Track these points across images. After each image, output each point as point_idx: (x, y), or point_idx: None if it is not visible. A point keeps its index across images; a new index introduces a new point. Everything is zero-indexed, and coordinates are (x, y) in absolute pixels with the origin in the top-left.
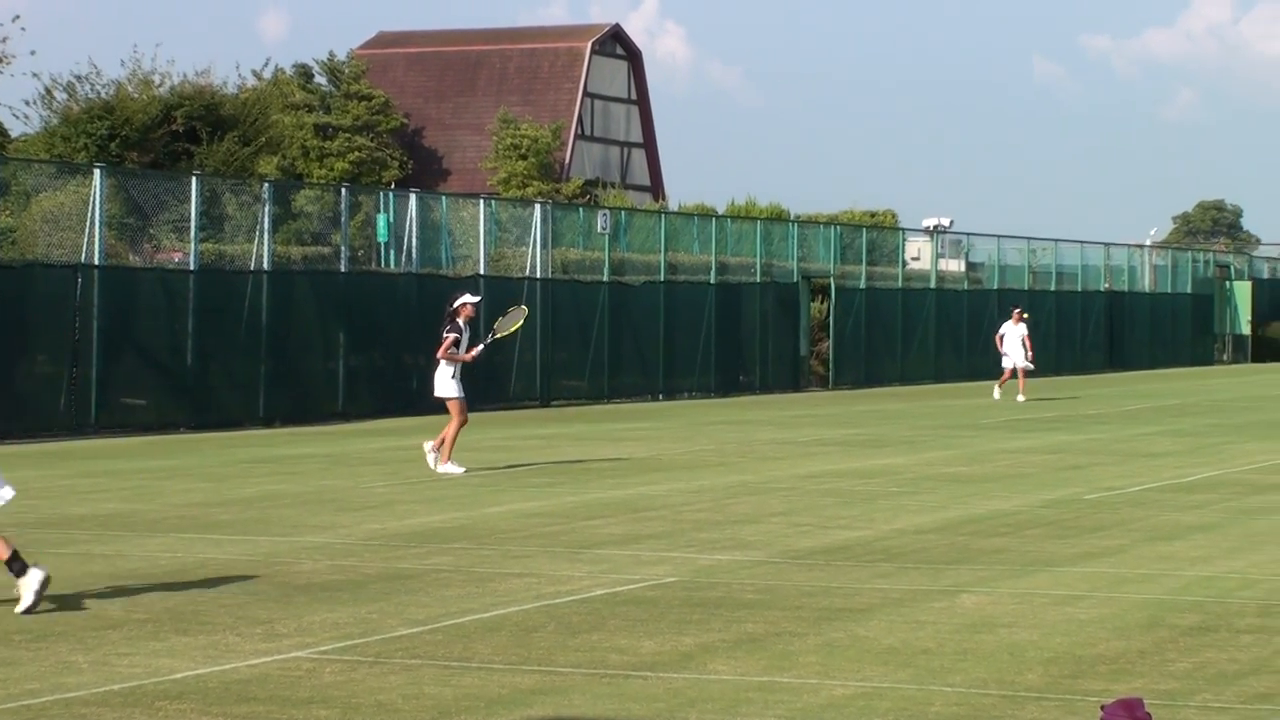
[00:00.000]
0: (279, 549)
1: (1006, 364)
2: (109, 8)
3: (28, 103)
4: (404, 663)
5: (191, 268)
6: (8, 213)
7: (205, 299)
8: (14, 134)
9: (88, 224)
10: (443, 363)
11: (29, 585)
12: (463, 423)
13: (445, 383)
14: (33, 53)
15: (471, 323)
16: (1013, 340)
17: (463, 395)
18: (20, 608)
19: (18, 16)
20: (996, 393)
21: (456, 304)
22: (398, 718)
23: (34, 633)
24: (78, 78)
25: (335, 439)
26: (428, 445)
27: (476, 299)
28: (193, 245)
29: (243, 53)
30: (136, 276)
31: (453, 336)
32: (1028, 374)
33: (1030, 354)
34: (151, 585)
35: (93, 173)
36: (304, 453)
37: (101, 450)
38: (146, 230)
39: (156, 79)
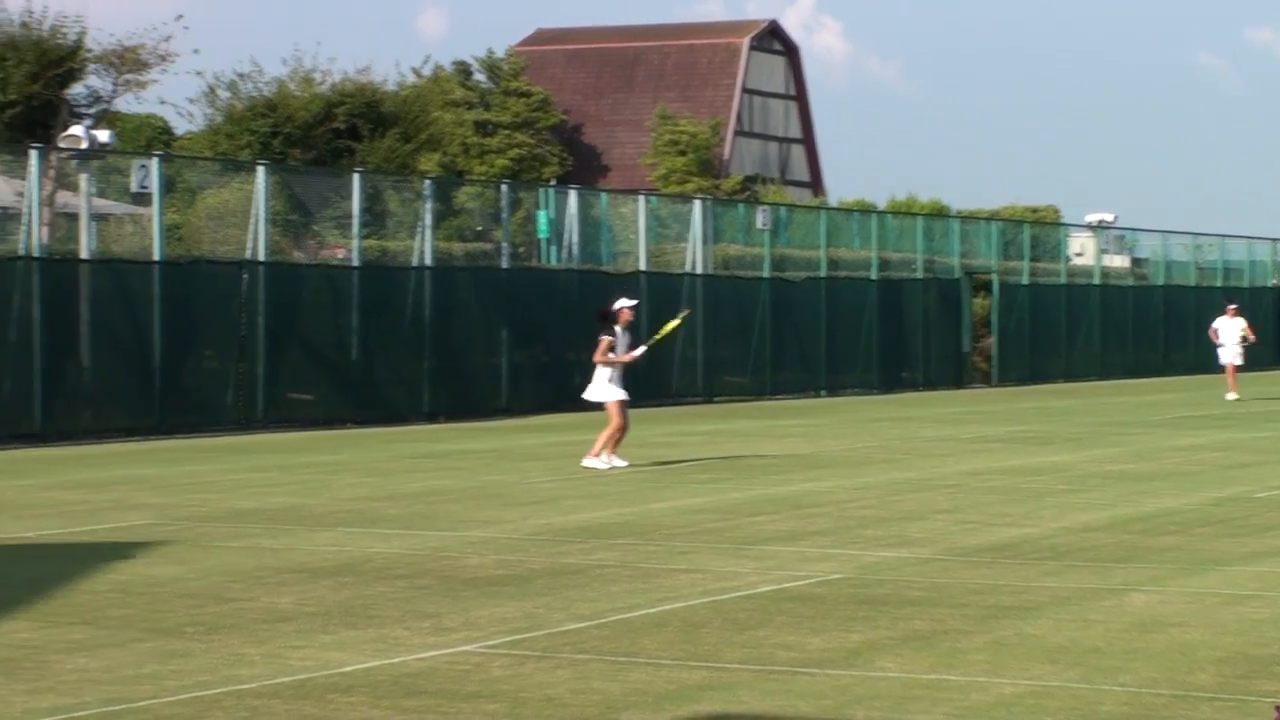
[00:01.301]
0: (445, 543)
1: (1223, 359)
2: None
3: (192, 101)
4: (571, 657)
5: (355, 264)
6: (174, 209)
7: (369, 295)
8: (179, 132)
9: (252, 220)
10: (599, 365)
11: None
12: (621, 425)
13: (601, 386)
14: (196, 51)
15: (631, 325)
16: (1229, 334)
17: (621, 398)
18: None
19: (181, 16)
20: (1231, 394)
21: (615, 307)
22: (565, 712)
23: (206, 625)
24: (240, 75)
25: (499, 434)
26: (612, 459)
27: (634, 302)
28: (356, 241)
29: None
30: (301, 272)
31: (607, 340)
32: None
33: (1251, 339)
34: (321, 579)
35: (256, 170)
36: (468, 448)
37: (268, 445)
38: (310, 226)
39: (318, 77)
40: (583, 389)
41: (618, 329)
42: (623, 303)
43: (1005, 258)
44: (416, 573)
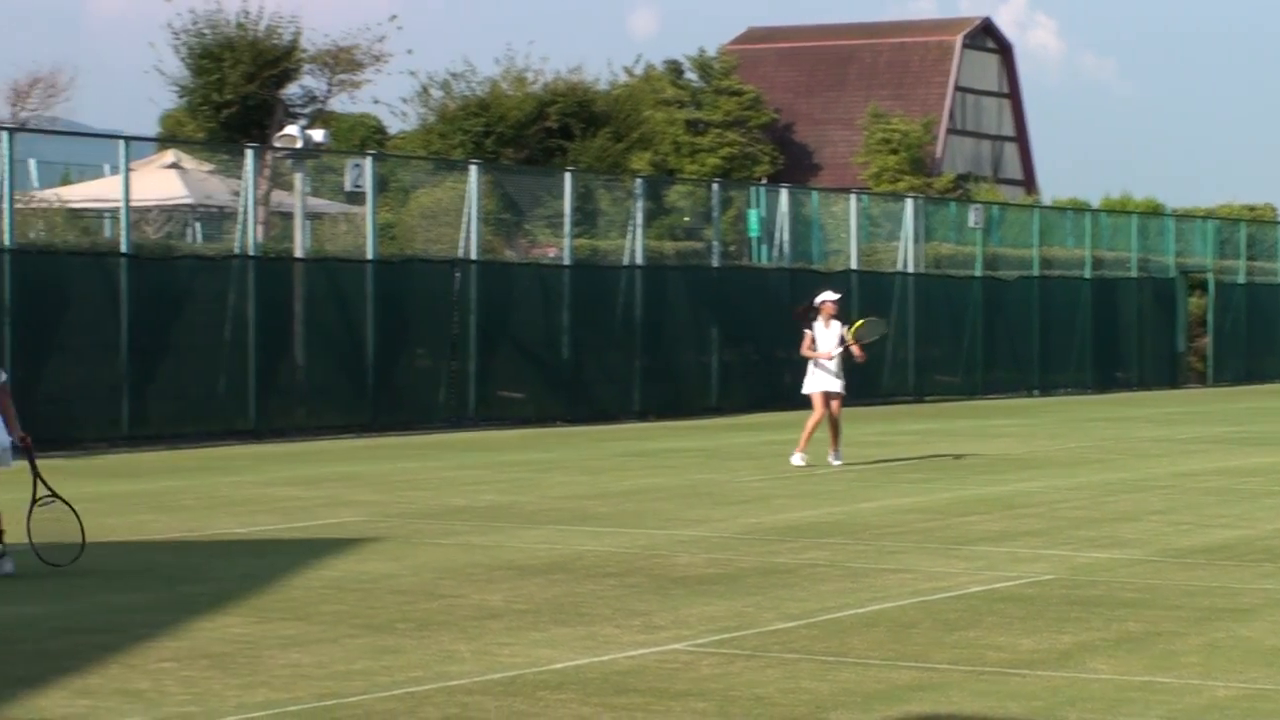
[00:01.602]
0: (655, 542)
1: None
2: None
3: (405, 100)
4: (780, 656)
5: (566, 262)
6: (387, 209)
7: (580, 293)
8: (392, 131)
9: (465, 219)
10: (809, 361)
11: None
12: (820, 417)
13: (810, 378)
14: (410, 51)
15: (836, 320)
16: None
17: (825, 389)
18: None
19: (394, 16)
20: None
21: (817, 302)
22: (774, 711)
23: (418, 621)
24: (453, 75)
25: (709, 433)
26: (830, 457)
27: (836, 296)
28: (567, 240)
29: (614, 49)
30: (512, 271)
31: (811, 334)
32: None
33: None
34: (531, 576)
35: (469, 169)
36: (678, 446)
37: (480, 442)
38: (522, 225)
39: (530, 76)
40: (794, 388)
41: (819, 323)
42: (825, 297)
43: (1221, 256)
44: (626, 571)
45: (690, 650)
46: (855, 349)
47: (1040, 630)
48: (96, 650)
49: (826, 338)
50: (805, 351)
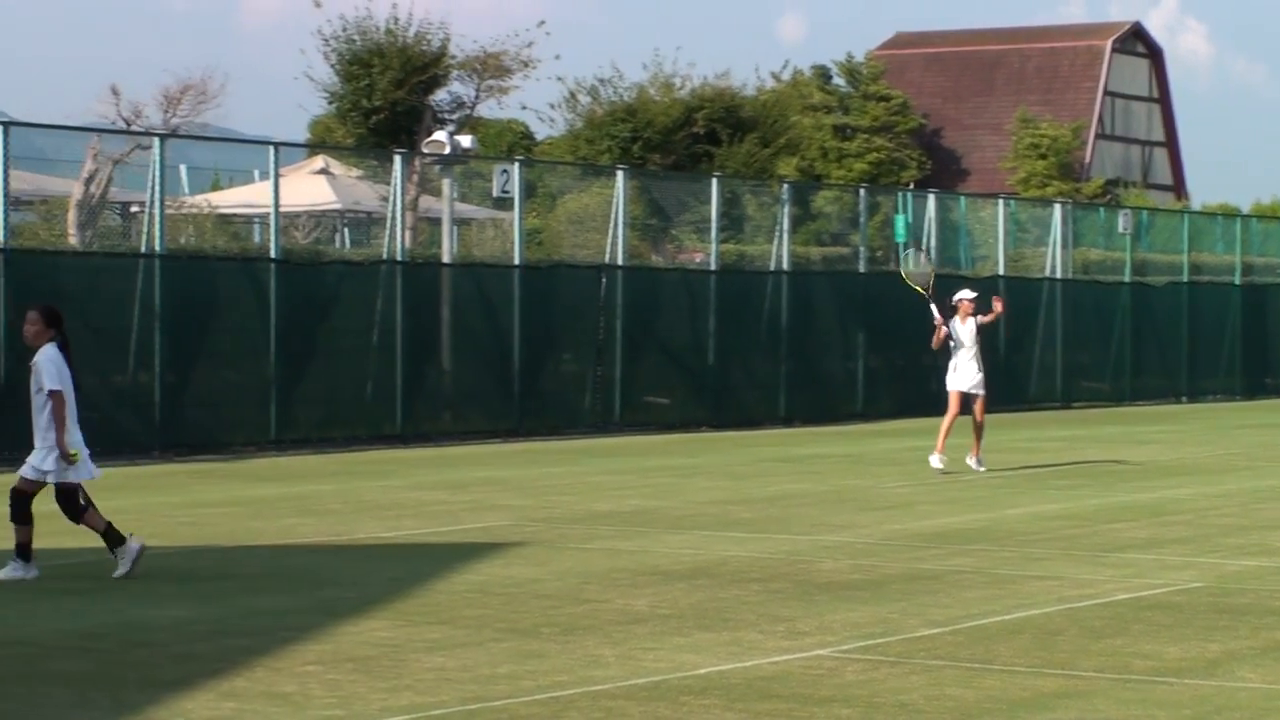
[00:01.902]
0: (799, 547)
1: None
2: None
3: (553, 106)
4: (925, 663)
5: (712, 268)
6: (534, 214)
7: (726, 299)
8: (539, 137)
9: (611, 225)
10: (950, 358)
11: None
12: (955, 415)
13: (950, 375)
14: (557, 57)
15: (972, 317)
16: None
17: (962, 388)
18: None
19: (543, 22)
20: None
21: (954, 300)
22: (920, 718)
23: (562, 626)
24: (601, 81)
25: (854, 439)
26: (968, 459)
27: (974, 295)
28: (713, 246)
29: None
30: (659, 276)
31: (944, 330)
32: None
33: None
34: (675, 581)
35: (616, 174)
36: (823, 452)
37: (625, 447)
38: (668, 231)
39: (677, 82)
40: (939, 394)
41: (956, 321)
42: (962, 295)
43: None
44: (770, 576)
45: (834, 656)
46: (997, 305)
47: (1187, 638)
48: (242, 653)
49: (963, 334)
50: (937, 343)
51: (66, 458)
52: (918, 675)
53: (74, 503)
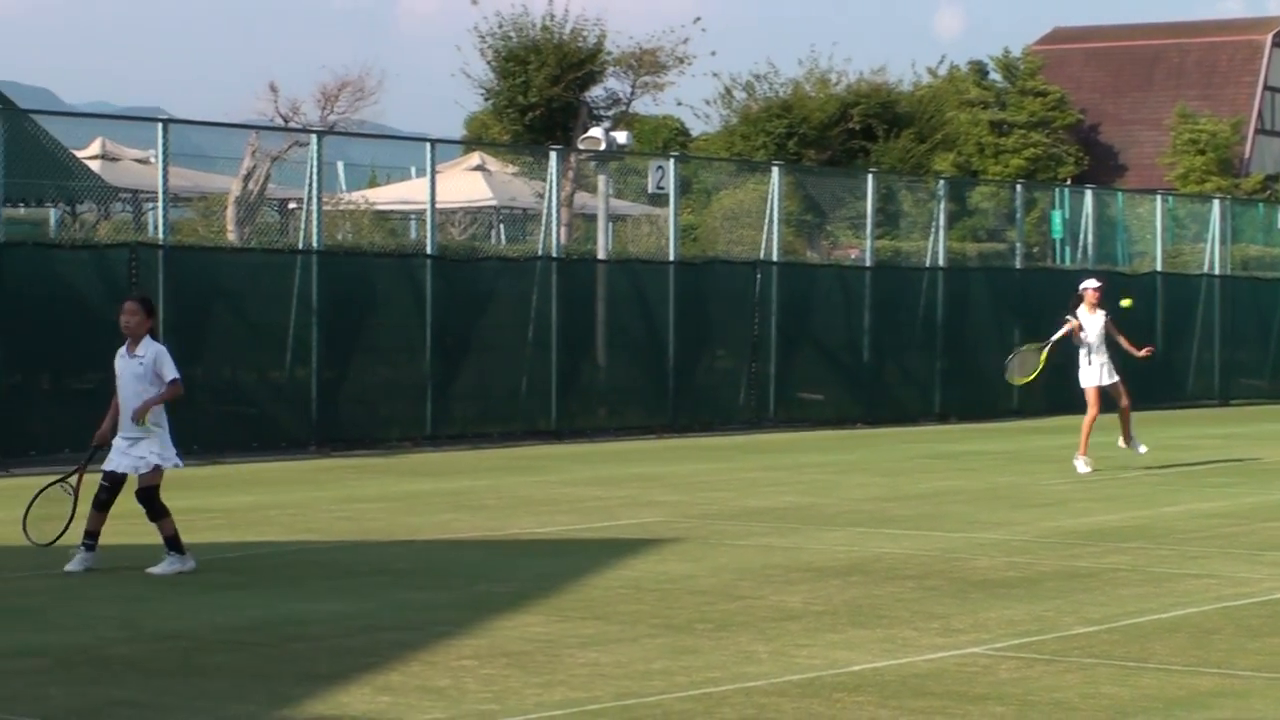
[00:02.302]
0: (954, 545)
1: None
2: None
3: (708, 102)
4: (1080, 661)
5: (867, 264)
6: (690, 210)
7: (881, 295)
8: (695, 133)
9: (766, 221)
10: (1080, 353)
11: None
12: (1095, 415)
13: (1083, 371)
14: (713, 53)
15: (1100, 308)
16: None
17: (1099, 384)
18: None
19: (698, 18)
20: None
21: (1080, 288)
22: (1074, 717)
23: (716, 622)
24: (756, 77)
25: (1010, 435)
26: (1125, 445)
27: (1098, 284)
28: (869, 241)
29: (918, 50)
30: (814, 273)
31: (1074, 322)
32: None
33: None
34: (829, 578)
35: (771, 170)
36: (978, 449)
37: (779, 444)
38: (824, 227)
39: (833, 78)
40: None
41: (1083, 309)
42: (1087, 285)
43: None
44: (925, 573)
45: (989, 654)
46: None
47: None
48: (397, 647)
49: (1091, 325)
50: (1077, 339)
51: (140, 419)
52: (1072, 673)
53: (157, 499)
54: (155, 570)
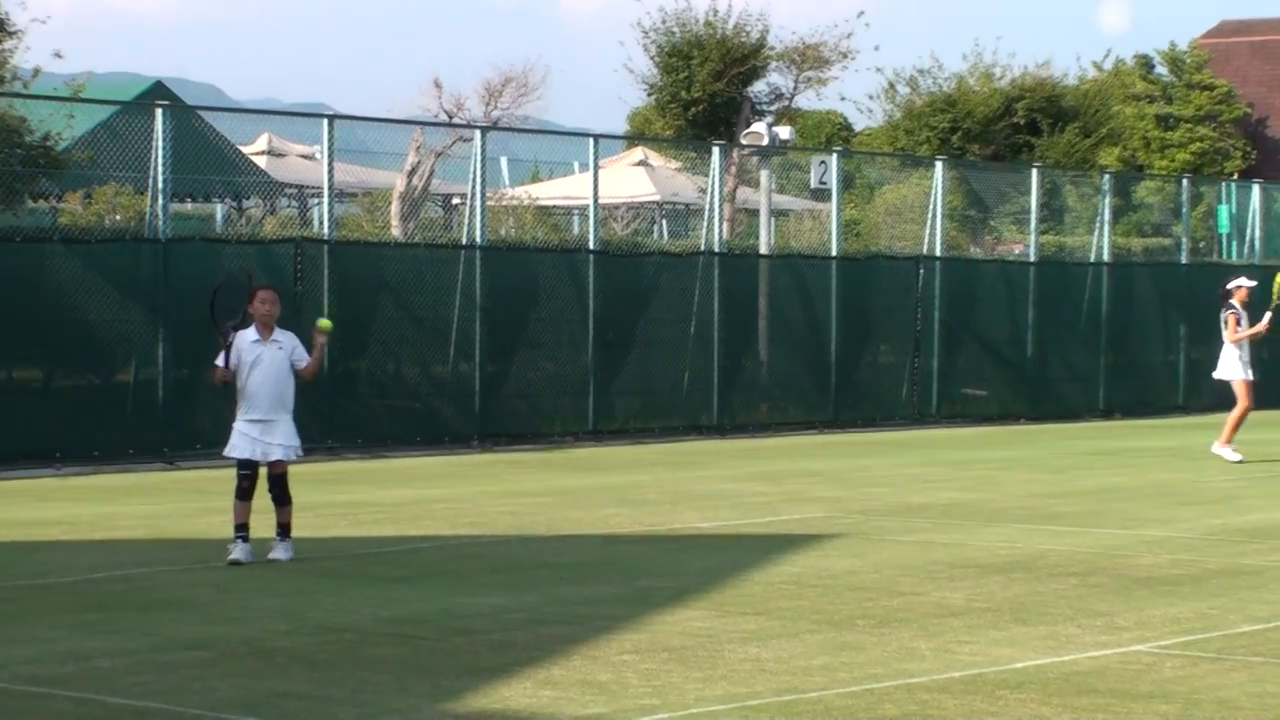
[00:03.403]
0: (1118, 541)
1: None
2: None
3: (871, 97)
4: (1245, 660)
5: (1031, 259)
6: (852, 205)
7: (1045, 290)
8: (858, 128)
9: (929, 216)
10: (1227, 344)
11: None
12: (1247, 408)
13: (1230, 365)
14: (876, 48)
15: (1246, 306)
16: None
17: (1249, 378)
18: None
19: (862, 13)
20: None
21: (1230, 285)
22: (1239, 715)
23: (877, 618)
24: (920, 71)
25: (1175, 432)
26: (1219, 444)
27: (1252, 283)
28: (1032, 237)
29: (1083, 44)
30: (977, 268)
31: (1234, 315)
32: None
33: None
34: (991, 575)
35: (934, 165)
36: (1142, 445)
37: (941, 440)
38: (987, 222)
39: (997, 72)
40: (1262, 386)
41: (1234, 303)
42: (1239, 282)
43: None
44: (1089, 570)
45: (1153, 652)
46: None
47: None
48: (559, 642)
49: (1245, 321)
50: (1238, 336)
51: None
52: (1238, 672)
53: (286, 485)
54: (277, 555)
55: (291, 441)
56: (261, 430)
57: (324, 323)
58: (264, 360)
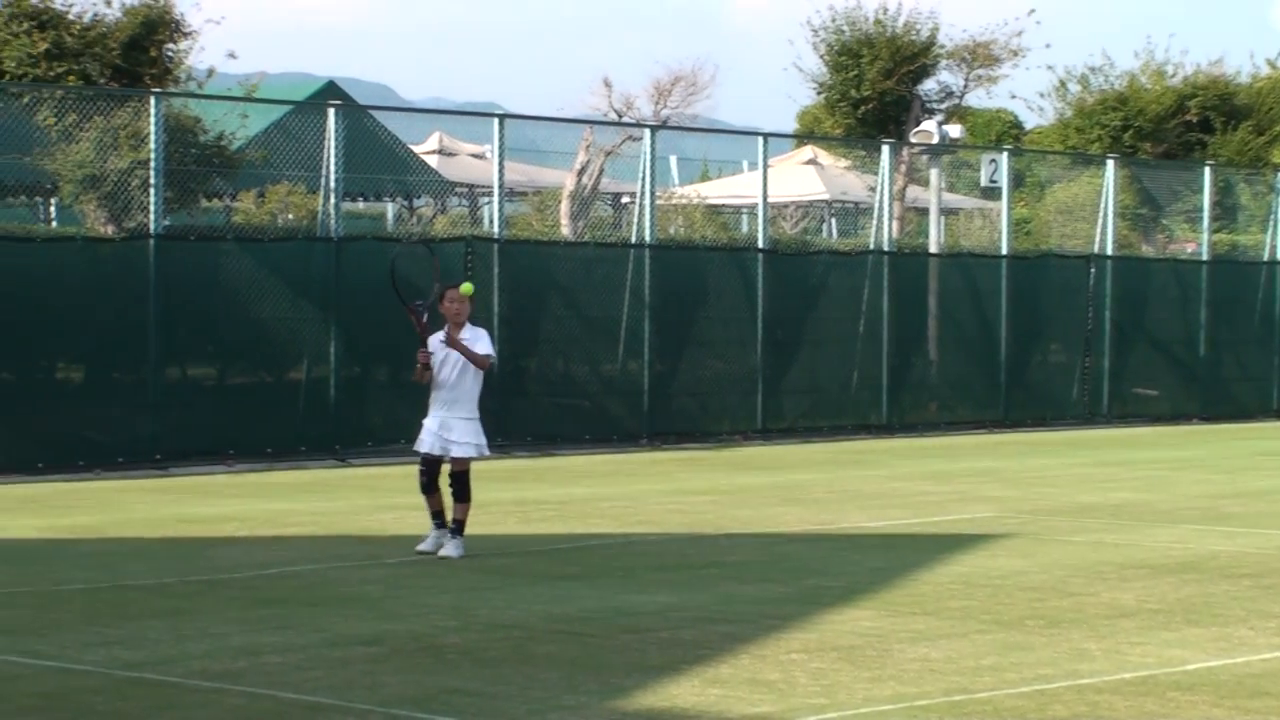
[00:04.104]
0: None
1: None
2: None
3: (1042, 95)
4: None
5: (1204, 258)
6: (1022, 204)
7: (1218, 290)
8: (1028, 126)
9: (1100, 214)
10: None
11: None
12: None
13: None
14: (1047, 45)
15: None
16: None
17: None
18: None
19: (1033, 10)
20: None
21: None
22: None
23: (1047, 618)
24: (1091, 69)
25: None
26: None
27: None
28: (1204, 235)
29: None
30: (1148, 267)
31: None
32: None
33: None
34: (1163, 575)
35: (1105, 163)
36: None
37: (1113, 440)
38: (1159, 220)
39: (1169, 70)
40: None
41: None
42: None
43: None
44: (1261, 572)
45: None
46: None
47: None
48: (727, 640)
49: None
50: None
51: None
52: None
53: (469, 483)
54: (447, 552)
55: (476, 439)
56: (446, 427)
57: (466, 286)
58: (451, 358)
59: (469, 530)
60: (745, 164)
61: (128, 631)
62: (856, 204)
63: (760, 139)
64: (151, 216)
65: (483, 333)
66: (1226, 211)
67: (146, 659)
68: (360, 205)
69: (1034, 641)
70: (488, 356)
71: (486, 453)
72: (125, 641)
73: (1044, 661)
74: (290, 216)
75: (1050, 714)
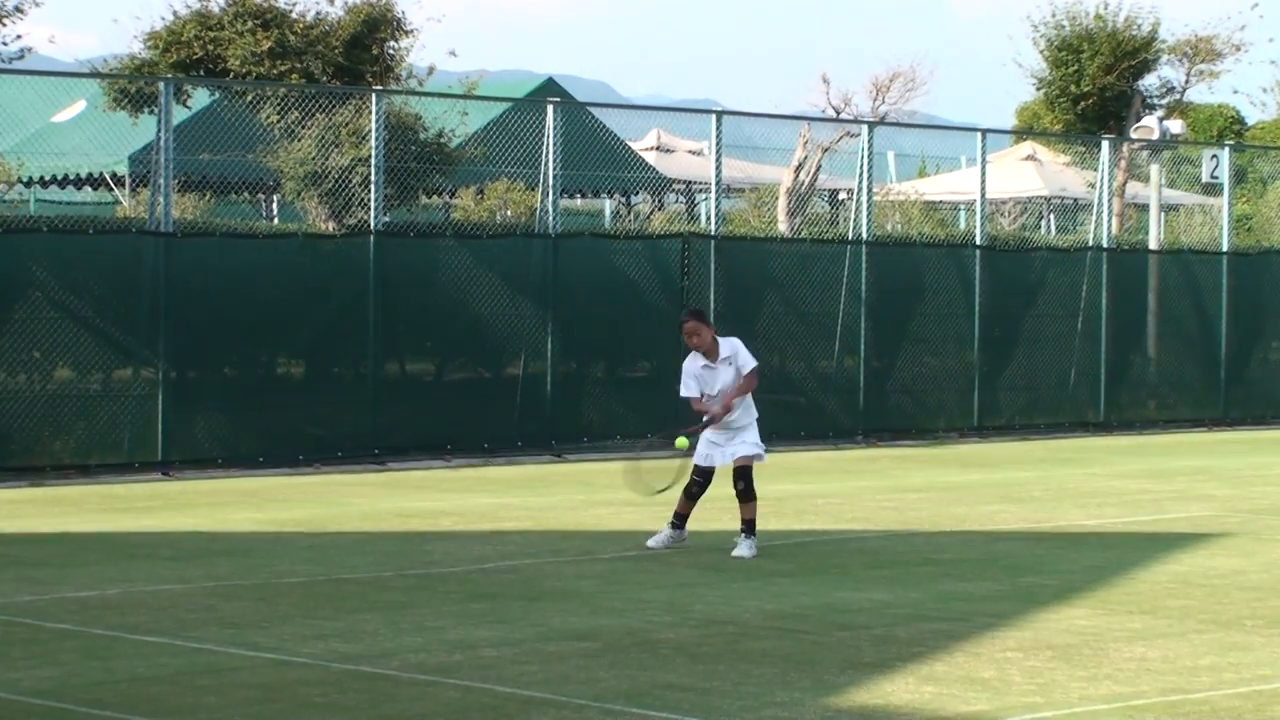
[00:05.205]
0: None
1: None
2: None
3: (1264, 89)
4: None
5: None
6: (1244, 200)
7: None
8: (1250, 121)
9: None
10: None
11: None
12: None
13: None
14: (1270, 40)
15: None
16: None
17: None
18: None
19: (1256, 4)
20: None
21: None
22: None
23: (1267, 619)
24: None
25: None
26: None
27: None
28: None
29: None
30: None
31: None
32: None
33: None
34: None
35: None
36: None
37: None
38: None
39: None
40: None
41: None
42: None
43: None
44: None
45: None
46: None
47: None
48: (941, 638)
49: None
50: None
51: (727, 409)
52: None
53: (749, 478)
54: (740, 553)
55: (755, 443)
56: (724, 438)
57: (681, 441)
58: (719, 383)
59: (691, 526)
60: (963, 160)
61: (345, 624)
62: (1075, 200)
63: (979, 135)
64: (372, 213)
65: (736, 343)
66: None
67: (363, 652)
68: (578, 202)
69: (1252, 642)
70: (753, 371)
71: (764, 457)
72: (342, 634)
73: (1262, 662)
74: (508, 213)
75: (1268, 715)
